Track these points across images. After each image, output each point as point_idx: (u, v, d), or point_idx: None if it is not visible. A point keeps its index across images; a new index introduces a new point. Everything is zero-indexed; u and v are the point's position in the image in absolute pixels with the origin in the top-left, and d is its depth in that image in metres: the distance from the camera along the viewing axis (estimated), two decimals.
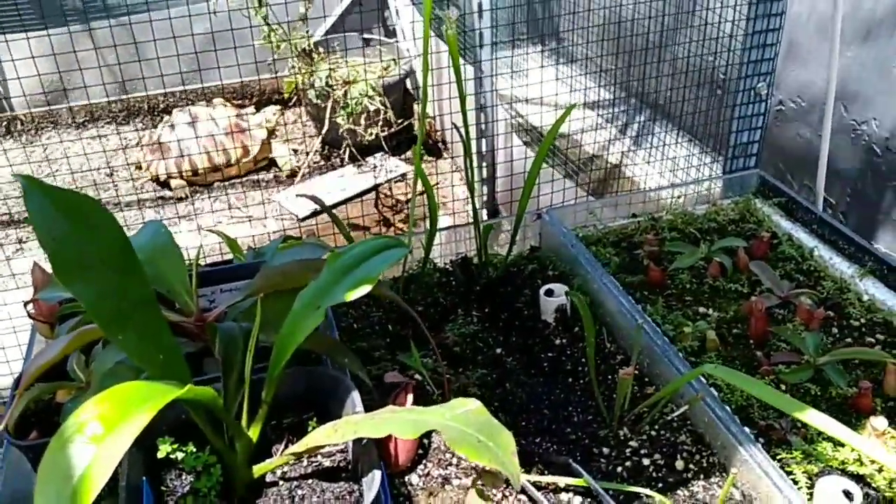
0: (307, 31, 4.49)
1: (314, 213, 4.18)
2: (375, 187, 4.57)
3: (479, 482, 1.34)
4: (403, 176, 4.65)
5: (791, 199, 2.09)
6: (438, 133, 4.88)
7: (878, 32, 2.45)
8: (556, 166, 3.40)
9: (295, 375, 1.34)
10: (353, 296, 1.25)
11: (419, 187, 1.77)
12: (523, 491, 1.37)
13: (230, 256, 1.89)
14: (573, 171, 3.43)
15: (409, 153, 4.82)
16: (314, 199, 1.93)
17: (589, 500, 1.35)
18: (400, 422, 1.10)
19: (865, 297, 1.79)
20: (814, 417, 1.21)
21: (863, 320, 1.74)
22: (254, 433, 1.24)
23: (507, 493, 1.36)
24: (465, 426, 1.05)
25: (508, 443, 1.04)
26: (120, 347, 1.23)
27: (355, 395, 1.28)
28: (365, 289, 1.24)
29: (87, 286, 1.12)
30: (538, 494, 1.34)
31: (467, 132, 1.85)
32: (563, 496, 1.37)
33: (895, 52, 2.39)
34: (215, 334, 1.34)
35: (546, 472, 1.40)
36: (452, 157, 4.79)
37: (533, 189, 1.91)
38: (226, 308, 1.47)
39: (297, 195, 3.79)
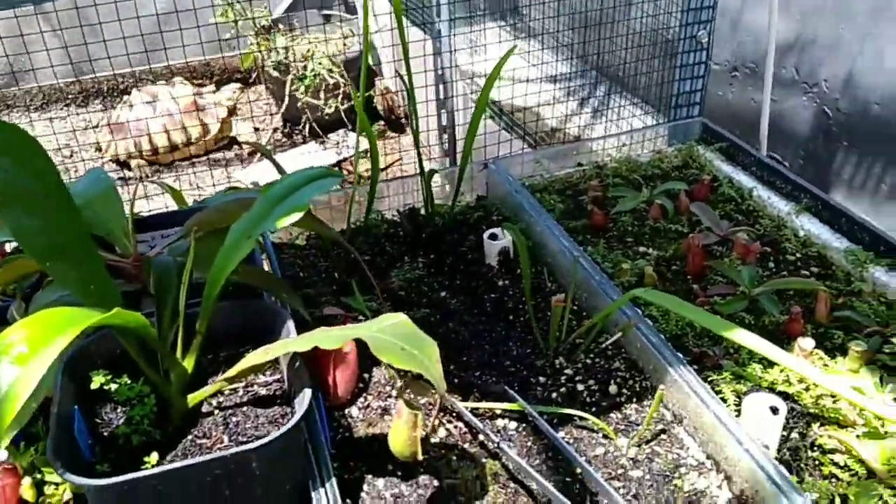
0: (266, 7, 4.47)
1: None
2: (338, 163, 4.56)
3: (406, 392, 1.36)
4: (366, 152, 4.63)
5: (732, 144, 2.12)
6: (401, 108, 4.87)
7: None
8: (514, 139, 3.42)
9: (231, 309, 1.35)
10: (284, 223, 1.26)
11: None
12: (460, 417, 1.39)
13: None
14: (532, 143, 3.45)
15: (372, 128, 4.81)
16: (278, 167, 1.94)
17: (524, 424, 1.38)
18: (327, 337, 1.12)
19: (801, 233, 1.83)
20: (743, 337, 1.24)
21: (798, 254, 1.78)
22: (189, 364, 1.25)
23: (445, 421, 1.38)
24: (391, 336, 1.07)
25: (432, 351, 1.06)
26: (56, 279, 1.23)
27: (290, 324, 1.29)
28: (296, 216, 1.26)
29: (15, 214, 1.12)
30: (475, 420, 1.36)
31: (410, 79, 1.86)
32: (500, 422, 1.39)
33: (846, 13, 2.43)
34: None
35: (483, 400, 1.42)
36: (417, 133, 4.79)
37: (476, 135, 1.93)
38: (163, 248, 1.48)
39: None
